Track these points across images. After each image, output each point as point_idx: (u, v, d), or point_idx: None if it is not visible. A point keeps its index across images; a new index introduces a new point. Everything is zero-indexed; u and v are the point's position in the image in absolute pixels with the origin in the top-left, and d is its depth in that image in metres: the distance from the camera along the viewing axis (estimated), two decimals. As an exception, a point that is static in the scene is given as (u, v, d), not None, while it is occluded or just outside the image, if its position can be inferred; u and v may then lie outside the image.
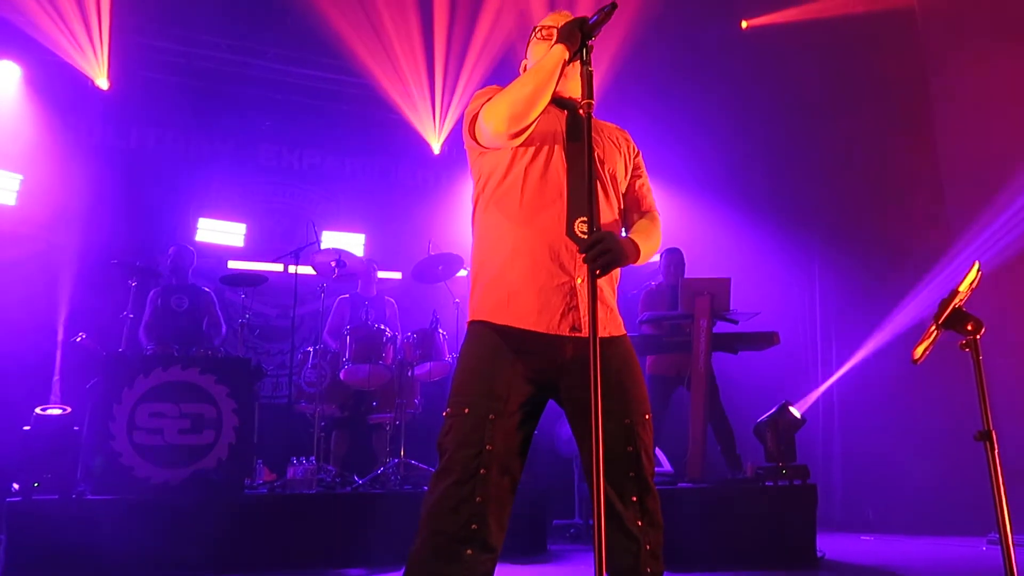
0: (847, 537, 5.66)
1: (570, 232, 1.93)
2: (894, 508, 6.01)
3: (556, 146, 2.02)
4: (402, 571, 1.86)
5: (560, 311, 1.92)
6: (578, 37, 1.92)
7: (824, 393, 6.70)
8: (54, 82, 6.61)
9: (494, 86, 2.09)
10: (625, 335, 2.05)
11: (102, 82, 6.58)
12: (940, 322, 2.07)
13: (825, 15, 6.68)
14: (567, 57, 1.94)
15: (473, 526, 1.80)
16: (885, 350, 6.22)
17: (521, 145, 2.01)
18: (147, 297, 5.64)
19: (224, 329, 5.70)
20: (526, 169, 2.00)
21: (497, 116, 1.94)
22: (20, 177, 6.34)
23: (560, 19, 2.14)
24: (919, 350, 2.09)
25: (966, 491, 5.07)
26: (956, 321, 2.06)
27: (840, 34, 6.66)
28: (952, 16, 6.33)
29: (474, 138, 2.05)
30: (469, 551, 1.79)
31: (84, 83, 6.64)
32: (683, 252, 5.63)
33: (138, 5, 6.60)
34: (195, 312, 5.66)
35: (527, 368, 1.92)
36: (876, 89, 6.55)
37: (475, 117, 2.03)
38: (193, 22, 6.90)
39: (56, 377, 5.70)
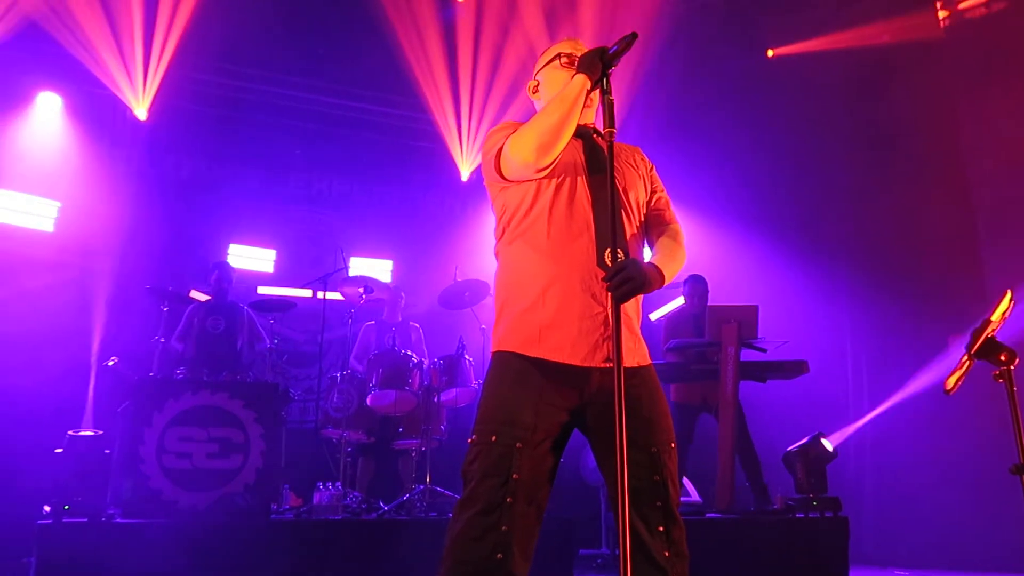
0: (880, 572, 5.52)
1: (600, 263, 1.93)
2: (928, 543, 5.85)
3: (579, 177, 2.03)
4: (427, 600, 1.86)
5: (594, 342, 1.92)
6: (599, 67, 1.94)
7: (853, 423, 6.58)
8: (93, 112, 6.80)
9: (510, 121, 2.11)
10: (651, 364, 2.04)
11: (141, 113, 6.75)
12: (973, 352, 2.04)
13: (852, 45, 6.66)
14: (589, 86, 1.96)
15: (498, 555, 1.79)
16: (917, 381, 6.11)
17: (544, 178, 2.02)
18: (184, 311, 5.72)
19: (267, 342, 5.72)
20: (551, 202, 2.00)
21: (525, 148, 1.95)
22: (58, 204, 6.50)
23: (574, 47, 2.16)
24: (951, 380, 2.06)
25: (1002, 526, 4.94)
26: (989, 351, 2.03)
27: (868, 64, 6.64)
28: (981, 46, 6.29)
29: (499, 172, 2.06)
30: (493, 581, 1.78)
31: (122, 113, 6.83)
32: (707, 280, 5.61)
33: (176, 38, 6.78)
34: (231, 334, 5.73)
35: (554, 397, 1.92)
36: (905, 119, 6.50)
37: (499, 152, 2.04)
38: (226, 54, 7.08)
39: (89, 400, 5.78)
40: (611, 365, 1.88)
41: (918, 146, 6.50)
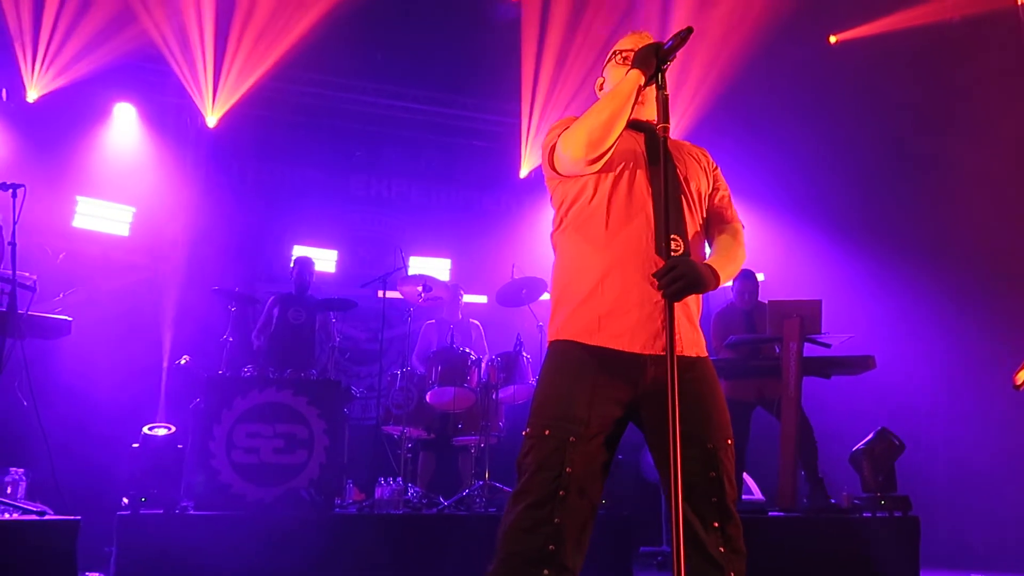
0: (952, 575, 5.33)
1: (660, 251, 1.93)
2: (1002, 545, 5.63)
3: (638, 168, 2.03)
4: (481, 592, 1.88)
5: (655, 330, 1.91)
6: (653, 63, 1.94)
7: (927, 422, 6.37)
8: (165, 120, 7.08)
9: (570, 116, 2.12)
10: (708, 357, 2.02)
11: (211, 120, 7.00)
12: (1044, 346, 1.96)
13: (919, 23, 6.38)
14: (643, 82, 1.96)
15: (551, 547, 1.80)
16: (989, 375, 5.86)
17: (603, 169, 2.02)
18: (266, 303, 5.91)
19: (336, 339, 5.86)
20: (610, 192, 2.01)
21: (575, 143, 1.97)
22: (133, 209, 6.78)
23: (638, 41, 2.14)
24: (1021, 376, 1.98)
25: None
26: (1062, 345, 1.94)
27: (936, 43, 6.35)
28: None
29: (552, 167, 2.09)
30: (546, 571, 1.80)
31: (192, 120, 7.08)
32: (765, 274, 5.50)
33: (241, 45, 6.99)
34: (310, 326, 5.87)
35: (609, 390, 1.92)
36: (980, 101, 6.22)
37: (552, 147, 2.06)
38: (288, 58, 7.25)
39: (161, 397, 6.02)
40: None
41: (993, 129, 6.21)
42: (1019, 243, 5.99)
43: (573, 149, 1.97)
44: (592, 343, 1.94)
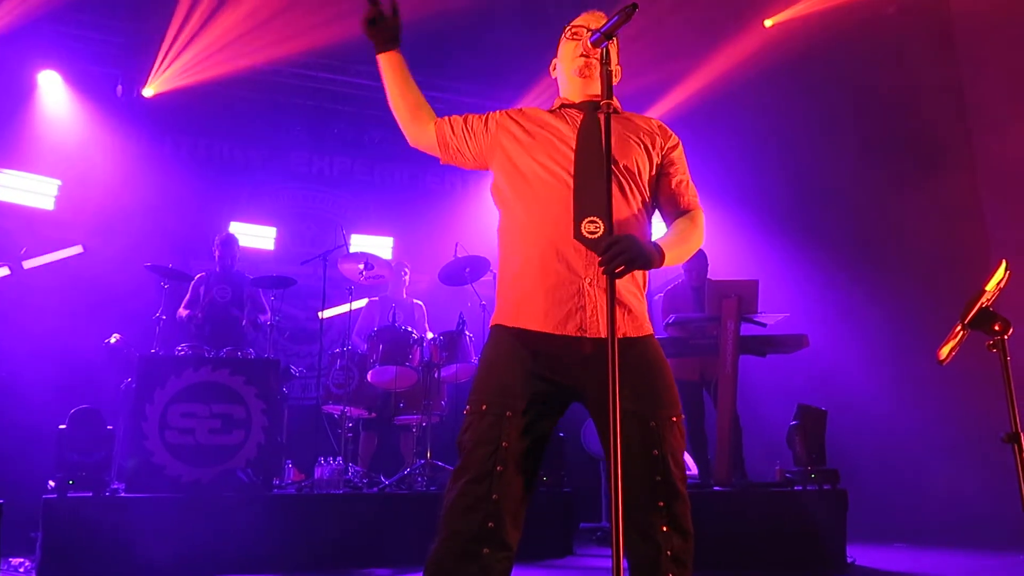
0: (881, 547, 5.55)
1: (577, 234, 1.91)
2: (930, 517, 5.88)
3: (564, 147, 2.01)
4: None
5: (565, 312, 1.91)
6: (371, 40, 2.16)
7: (855, 398, 6.59)
8: (93, 90, 6.79)
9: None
10: (650, 335, 2.00)
11: (148, 91, 6.73)
12: (967, 322, 2.04)
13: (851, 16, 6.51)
14: (381, 57, 2.18)
15: (490, 524, 1.80)
16: (914, 353, 6.09)
17: (528, 150, 2.03)
18: (191, 281, 5.77)
19: (269, 314, 5.79)
20: (531, 175, 2.00)
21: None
22: (58, 183, 6.50)
23: (592, 20, 2.12)
24: (945, 351, 2.06)
25: (1007, 500, 4.93)
26: (983, 321, 2.02)
27: (870, 29, 6.51)
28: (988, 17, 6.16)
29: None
30: (486, 550, 1.79)
31: (125, 91, 6.81)
32: (707, 255, 5.59)
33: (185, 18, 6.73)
34: (237, 303, 5.78)
35: (543, 367, 1.92)
36: (908, 88, 6.42)
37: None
38: (230, 31, 7.01)
39: (92, 378, 5.82)
40: (582, 335, 1.90)
41: (921, 117, 6.42)
42: (953, 226, 6.22)
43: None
44: (513, 324, 1.96)
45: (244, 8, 6.64)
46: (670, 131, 2.17)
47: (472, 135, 2.16)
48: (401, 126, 2.21)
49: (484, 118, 2.19)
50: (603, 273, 1.76)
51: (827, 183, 6.99)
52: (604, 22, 1.94)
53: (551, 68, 2.27)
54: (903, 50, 6.48)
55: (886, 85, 6.55)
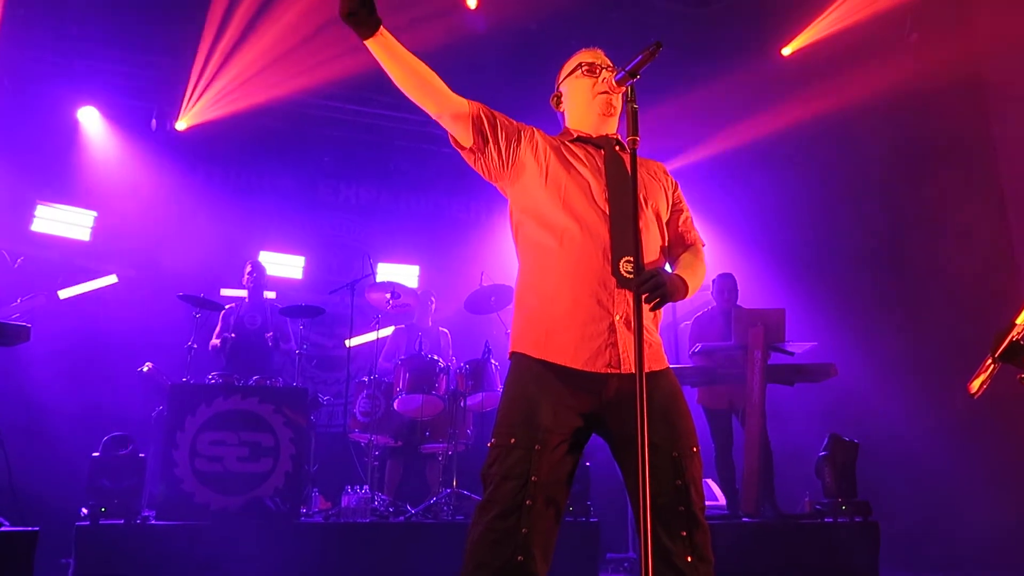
0: (913, 578, 5.44)
1: (615, 272, 1.95)
2: (963, 548, 5.74)
3: (596, 186, 2.05)
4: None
5: (597, 348, 1.94)
6: (350, 24, 1.85)
7: (884, 427, 6.49)
8: (129, 124, 6.97)
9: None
10: (669, 368, 2.04)
11: (180, 124, 6.90)
12: (997, 355, 2.02)
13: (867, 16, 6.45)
14: (364, 39, 1.90)
15: (519, 558, 1.81)
16: (946, 380, 5.99)
17: (560, 184, 2.04)
18: (221, 312, 5.87)
19: (293, 343, 5.85)
20: (565, 209, 2.02)
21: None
22: (94, 214, 6.66)
23: (594, 56, 2.19)
24: (976, 384, 2.04)
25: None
26: (1014, 354, 2.00)
27: (901, 103, 6.47)
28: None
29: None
30: (514, 582, 1.80)
31: (161, 124, 6.98)
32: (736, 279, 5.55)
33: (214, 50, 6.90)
34: (265, 330, 5.89)
35: (571, 400, 1.93)
36: (934, 110, 6.37)
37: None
38: (260, 64, 7.18)
39: (124, 405, 5.91)
40: (613, 371, 1.92)
41: (946, 140, 6.36)
42: (984, 252, 6.14)
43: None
44: (539, 356, 1.97)
45: (266, 40, 6.79)
46: (669, 173, 2.28)
47: (506, 132, 2.08)
48: (419, 98, 2.01)
49: (517, 124, 2.12)
50: (647, 304, 1.81)
51: (854, 211, 6.94)
52: (603, 58, 2.02)
53: (553, 103, 2.31)
54: (928, 91, 6.40)
55: (908, 107, 6.50)
